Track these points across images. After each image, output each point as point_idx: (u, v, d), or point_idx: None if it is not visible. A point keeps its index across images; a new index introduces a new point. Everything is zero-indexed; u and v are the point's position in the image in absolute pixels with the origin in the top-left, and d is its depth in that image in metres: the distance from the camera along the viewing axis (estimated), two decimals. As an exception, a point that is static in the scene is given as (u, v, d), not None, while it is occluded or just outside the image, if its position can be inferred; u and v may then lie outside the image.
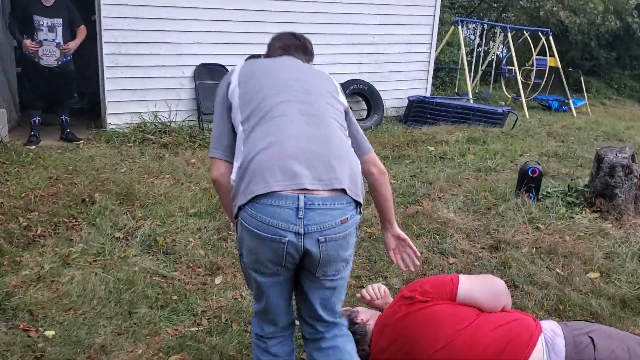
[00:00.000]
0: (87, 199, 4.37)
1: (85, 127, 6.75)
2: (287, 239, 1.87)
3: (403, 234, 2.42)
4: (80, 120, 6.97)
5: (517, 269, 3.75)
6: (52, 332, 2.69)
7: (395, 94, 8.33)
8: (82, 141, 6.31)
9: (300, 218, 1.87)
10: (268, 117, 2.00)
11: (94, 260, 3.45)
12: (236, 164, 1.99)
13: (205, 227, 4.06)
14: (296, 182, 1.87)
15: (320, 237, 1.90)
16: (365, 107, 8.10)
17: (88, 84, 7.21)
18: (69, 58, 6.04)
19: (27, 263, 3.31)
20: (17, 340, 2.60)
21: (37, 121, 6.16)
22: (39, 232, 3.74)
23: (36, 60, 5.87)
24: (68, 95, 6.28)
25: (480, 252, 4.02)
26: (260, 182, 1.87)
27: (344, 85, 7.71)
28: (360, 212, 2.03)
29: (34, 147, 5.98)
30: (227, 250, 3.74)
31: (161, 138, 6.35)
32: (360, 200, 2.01)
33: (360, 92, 7.93)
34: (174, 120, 6.65)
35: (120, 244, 3.70)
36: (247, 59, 2.51)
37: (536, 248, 4.10)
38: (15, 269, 3.25)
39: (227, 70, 6.98)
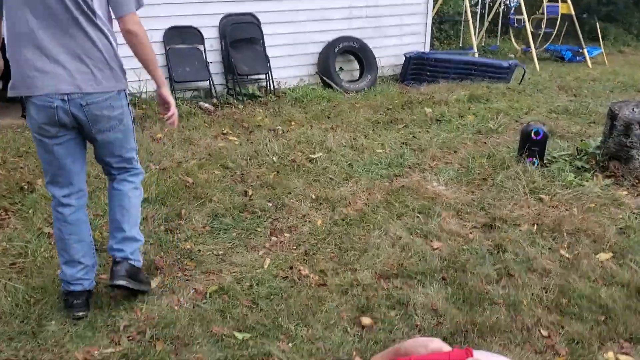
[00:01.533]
0: (26, 187, 3.87)
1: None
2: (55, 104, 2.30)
3: (168, 98, 2.59)
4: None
5: (514, 253, 3.19)
6: None
7: (390, 51, 7.64)
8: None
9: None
10: None
11: (12, 264, 2.96)
12: None
13: (153, 215, 3.54)
14: None
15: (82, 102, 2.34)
16: (357, 67, 7.45)
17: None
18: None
19: None
20: None
21: (-8, 98, 5.64)
22: (-46, 230, 3.26)
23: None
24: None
25: (470, 233, 3.45)
26: None
27: (333, 44, 7.06)
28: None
29: (-11, 127, 5.48)
30: (172, 245, 3.22)
31: (129, 111, 5.80)
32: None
33: (352, 51, 7.26)
34: (143, 90, 6.08)
35: (48, 240, 3.19)
36: None
37: (537, 225, 3.53)
38: None
39: (200, 33, 6.37)
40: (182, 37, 6.32)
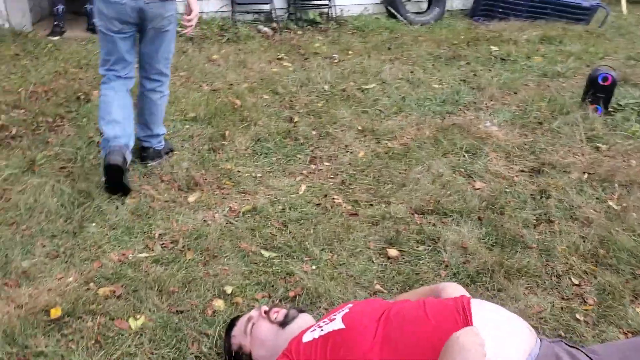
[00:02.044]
0: (82, 97, 4.01)
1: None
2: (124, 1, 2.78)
3: (193, 5, 2.93)
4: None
5: (557, 200, 3.07)
6: (-21, 251, 2.39)
7: (462, -17, 7.28)
8: (109, 32, 5.90)
9: None
10: None
11: (62, 168, 3.11)
12: None
13: (199, 134, 3.60)
14: None
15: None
16: (425, -2, 7.15)
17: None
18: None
19: (-13, 167, 3.02)
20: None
21: (59, 10, 5.78)
22: (14, 132, 3.43)
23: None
24: (91, -18, 5.82)
25: (516, 176, 3.34)
26: None
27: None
28: None
29: (57, 37, 5.66)
30: (213, 163, 3.29)
31: (188, 31, 5.84)
32: None
33: (418, -18, 6.97)
34: (204, 10, 6.07)
35: (97, 149, 3.32)
36: None
37: (589, 174, 3.36)
38: (-29, 174, 2.96)
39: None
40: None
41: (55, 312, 2.07)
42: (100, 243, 2.52)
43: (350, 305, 1.77)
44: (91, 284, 2.26)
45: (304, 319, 1.83)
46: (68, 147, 3.30)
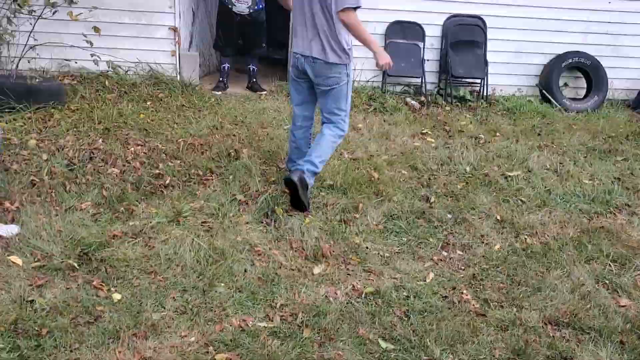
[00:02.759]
0: (232, 154, 4.26)
1: (278, 78, 6.76)
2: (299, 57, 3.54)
3: (376, 56, 3.49)
4: (276, 70, 7.03)
5: None
6: (119, 296, 2.58)
7: (627, 73, 6.82)
8: (265, 92, 6.29)
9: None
10: None
11: (204, 222, 3.29)
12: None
13: (333, 203, 3.66)
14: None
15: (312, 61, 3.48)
16: (584, 85, 6.80)
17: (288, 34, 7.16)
18: (260, 7, 5.97)
19: (140, 214, 3.28)
20: (82, 297, 2.53)
21: (226, 68, 6.28)
22: (168, 181, 3.71)
23: (230, 6, 5.92)
24: (256, 44, 6.26)
25: (673, 299, 2.99)
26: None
27: (561, 57, 6.53)
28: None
29: (219, 93, 6.12)
30: (342, 236, 3.31)
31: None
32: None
33: (581, 67, 6.65)
34: (357, 79, 6.27)
35: (238, 207, 3.49)
36: None
37: None
38: (125, 218, 3.23)
39: (422, 29, 6.35)
40: (403, 32, 6.36)
41: (175, 371, 2.15)
42: (225, 305, 2.61)
43: None
44: (210, 348, 2.33)
45: None
46: (212, 202, 3.50)
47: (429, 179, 4.25)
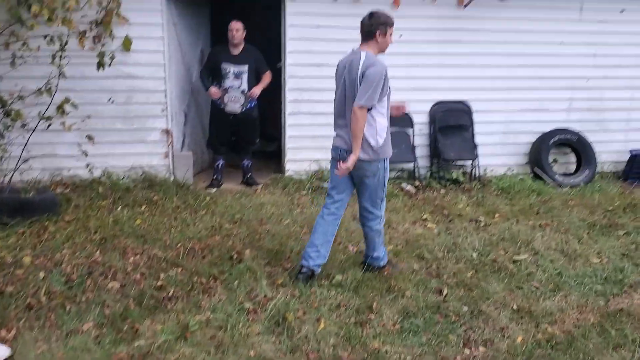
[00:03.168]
0: (234, 256, 4.15)
1: (272, 170, 6.77)
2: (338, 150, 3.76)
3: (349, 163, 3.59)
4: (269, 163, 7.04)
5: None
6: None
7: (612, 147, 6.96)
8: (261, 185, 6.26)
9: None
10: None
11: (212, 337, 3.13)
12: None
13: (346, 304, 3.53)
14: None
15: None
16: (573, 160, 6.91)
17: (280, 128, 7.24)
18: (252, 104, 6.04)
19: (144, 332, 3.11)
20: None
21: (220, 165, 6.27)
22: (171, 293, 3.57)
23: (222, 107, 5.99)
24: (250, 141, 6.30)
25: None
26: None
27: (548, 135, 6.66)
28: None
29: (214, 190, 6.08)
30: (360, 341, 3.16)
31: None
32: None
33: (568, 143, 6.77)
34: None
35: (247, 317, 3.34)
36: None
37: None
38: (130, 338, 3.07)
39: (410, 118, 6.46)
40: (391, 120, 6.42)
41: None
42: None
43: None
44: None
45: None
46: (219, 313, 3.35)
47: (437, 268, 4.16)
